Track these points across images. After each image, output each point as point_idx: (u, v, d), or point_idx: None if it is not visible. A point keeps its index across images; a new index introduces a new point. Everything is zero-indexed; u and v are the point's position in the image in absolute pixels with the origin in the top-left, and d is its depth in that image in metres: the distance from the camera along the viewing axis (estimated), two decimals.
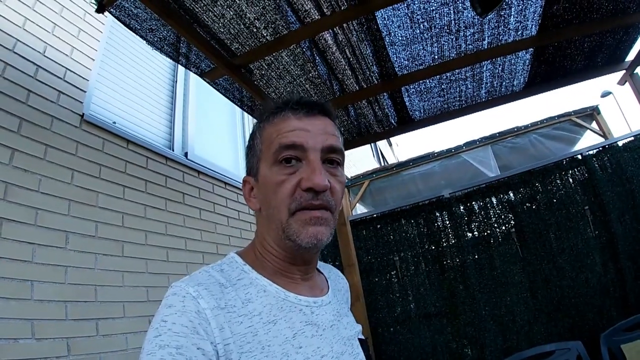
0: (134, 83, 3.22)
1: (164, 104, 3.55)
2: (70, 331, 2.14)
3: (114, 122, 2.86)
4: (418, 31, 2.39)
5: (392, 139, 21.18)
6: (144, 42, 2.25)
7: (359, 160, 10.95)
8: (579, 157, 3.81)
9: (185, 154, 3.47)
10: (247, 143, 1.03)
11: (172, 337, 0.69)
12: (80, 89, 2.63)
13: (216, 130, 4.36)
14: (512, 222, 3.89)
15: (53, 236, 2.21)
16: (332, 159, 0.92)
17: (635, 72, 3.05)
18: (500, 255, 3.80)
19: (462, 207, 4.04)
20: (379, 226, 4.27)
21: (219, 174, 3.75)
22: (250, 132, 1.02)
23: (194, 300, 0.75)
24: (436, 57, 2.62)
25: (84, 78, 2.68)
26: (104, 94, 2.91)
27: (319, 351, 0.85)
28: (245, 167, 1.03)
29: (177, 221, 3.08)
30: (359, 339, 1.03)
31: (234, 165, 4.32)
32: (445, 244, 4.02)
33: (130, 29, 2.21)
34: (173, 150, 3.38)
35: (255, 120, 1.06)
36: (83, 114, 2.58)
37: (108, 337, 2.33)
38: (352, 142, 3.53)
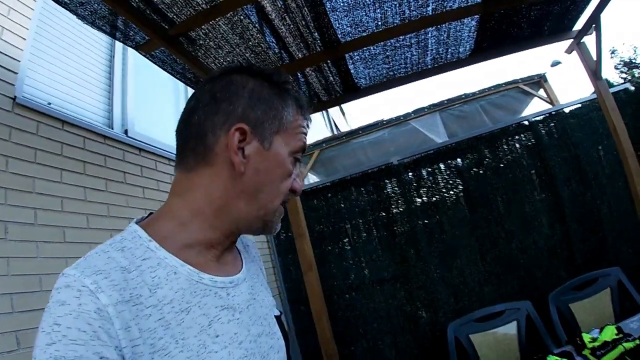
0: (69, 61, 3.01)
1: (102, 81, 3.36)
2: (19, 324, 2.03)
3: (49, 103, 2.68)
4: None
5: (344, 108, 21.19)
6: (75, 16, 2.13)
7: (310, 130, 10.91)
8: (526, 123, 3.93)
9: (126, 132, 3.31)
10: (257, 92, 0.86)
11: (69, 345, 0.59)
12: (12, 71, 2.43)
13: (158, 105, 4.17)
14: (460, 187, 4.00)
15: None
16: None
17: (582, 41, 3.10)
18: (450, 219, 3.91)
19: (410, 174, 4.11)
20: (329, 195, 4.29)
21: (162, 150, 3.60)
22: (274, 88, 0.88)
23: (92, 295, 0.63)
24: (379, 23, 2.58)
25: (15, 59, 2.48)
26: (38, 74, 2.71)
27: (236, 337, 0.79)
28: (240, 111, 0.83)
29: (119, 202, 2.94)
30: (275, 316, 0.98)
31: None
32: (395, 211, 4.09)
33: (59, 3, 2.07)
34: (112, 129, 3.21)
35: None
36: (15, 96, 2.40)
37: None
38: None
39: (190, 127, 0.85)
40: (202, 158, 0.82)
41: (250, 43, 2.56)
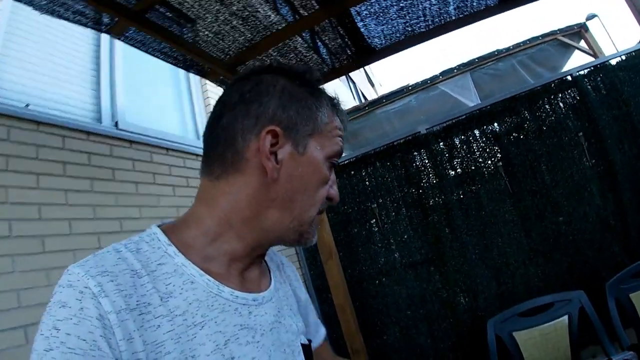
0: (52, 57, 2.83)
1: (89, 74, 3.13)
2: None
3: (27, 105, 2.50)
4: None
5: (374, 79, 20.45)
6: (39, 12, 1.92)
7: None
8: (569, 78, 3.42)
9: (116, 124, 3.08)
10: (289, 91, 0.79)
11: (66, 354, 0.55)
12: None
13: (154, 91, 3.89)
14: (498, 155, 3.56)
15: None
16: None
17: None
18: (488, 192, 3.49)
19: (441, 143, 3.69)
20: (352, 172, 3.92)
21: (159, 139, 3.34)
22: (307, 87, 0.82)
23: (94, 299, 0.59)
24: None
25: None
26: (12, 75, 2.54)
27: None
28: (271, 112, 0.77)
29: (107, 201, 2.70)
30: (302, 344, 0.88)
31: (179, 127, 3.92)
32: (426, 185, 3.70)
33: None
34: (101, 123, 2.99)
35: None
36: None
37: None
38: None
39: (218, 132, 0.79)
40: (230, 164, 0.77)
41: (234, 8, 2.16)
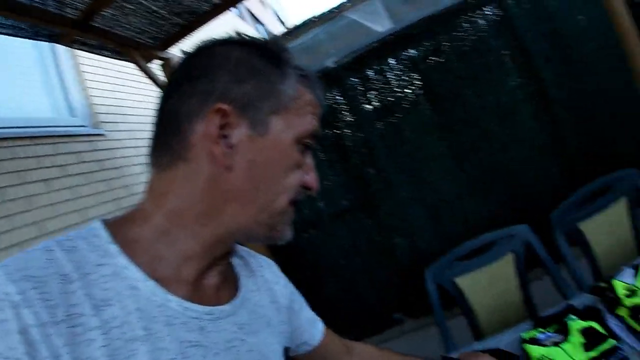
0: None
1: None
2: None
3: None
4: None
5: (284, 17, 19.59)
6: None
7: None
8: None
9: None
10: (244, 62, 0.66)
11: None
12: None
13: (10, 74, 3.32)
14: (418, 83, 3.26)
15: None
16: None
17: None
18: (411, 125, 3.25)
19: (353, 77, 3.34)
20: None
21: (18, 128, 2.83)
22: (264, 56, 0.67)
23: (14, 309, 0.48)
24: None
25: None
26: None
27: None
28: (221, 87, 0.63)
29: None
30: None
31: (50, 109, 3.39)
32: (341, 125, 3.37)
33: None
34: None
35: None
36: None
37: None
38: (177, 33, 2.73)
39: (162, 117, 0.67)
40: (177, 153, 0.64)
41: None
